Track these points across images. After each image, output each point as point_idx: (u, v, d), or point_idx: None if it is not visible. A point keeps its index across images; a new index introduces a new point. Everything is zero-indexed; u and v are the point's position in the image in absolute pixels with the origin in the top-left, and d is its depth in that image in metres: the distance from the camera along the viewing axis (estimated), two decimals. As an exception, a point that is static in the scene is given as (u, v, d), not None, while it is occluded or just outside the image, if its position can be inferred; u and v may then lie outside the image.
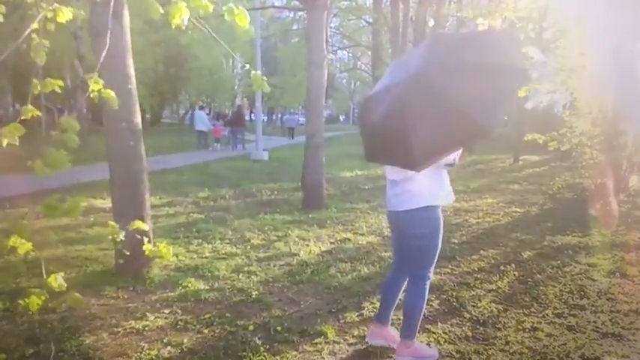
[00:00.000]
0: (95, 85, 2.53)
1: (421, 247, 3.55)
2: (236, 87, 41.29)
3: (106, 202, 8.89)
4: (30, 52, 2.42)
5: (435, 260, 3.64)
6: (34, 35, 2.43)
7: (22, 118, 2.29)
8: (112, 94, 2.64)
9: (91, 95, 2.54)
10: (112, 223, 2.99)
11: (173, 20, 2.87)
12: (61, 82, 2.49)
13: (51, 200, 2.47)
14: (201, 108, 26.88)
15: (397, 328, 3.98)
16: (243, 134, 24.97)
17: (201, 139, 23.57)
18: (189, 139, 25.62)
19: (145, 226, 3.28)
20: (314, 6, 9.15)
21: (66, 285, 2.59)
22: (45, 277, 2.49)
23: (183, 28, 2.97)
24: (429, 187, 3.45)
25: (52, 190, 9.79)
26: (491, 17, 8.21)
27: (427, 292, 3.69)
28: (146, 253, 3.28)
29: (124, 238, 3.04)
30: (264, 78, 3.38)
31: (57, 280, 2.57)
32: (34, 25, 2.39)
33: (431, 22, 18.14)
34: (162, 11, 2.89)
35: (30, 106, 2.30)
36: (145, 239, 3.38)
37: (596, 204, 8.85)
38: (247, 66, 3.24)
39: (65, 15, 2.55)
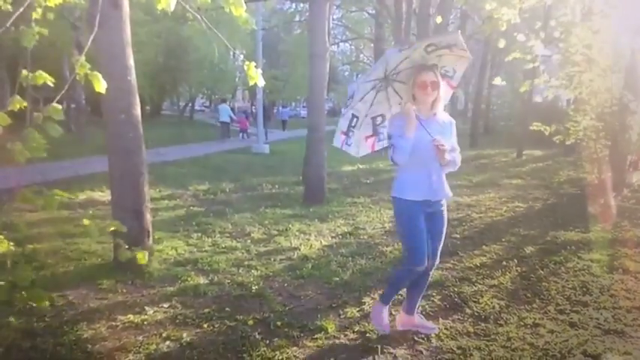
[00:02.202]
0: (81, 68, 2.48)
1: None
2: (237, 79, 41.21)
3: (105, 195, 8.86)
4: (22, 39, 2.38)
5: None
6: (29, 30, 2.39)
7: (9, 109, 2.25)
8: (99, 76, 2.59)
9: (77, 78, 2.50)
10: (86, 221, 2.93)
11: (159, 5, 2.83)
12: (51, 78, 2.44)
13: (27, 193, 2.42)
14: (224, 101, 28.97)
15: (424, 315, 4.01)
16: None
17: (224, 129, 25.25)
18: (189, 132, 25.68)
19: (123, 228, 3.23)
20: (316, -2, 9.08)
21: (32, 278, 2.57)
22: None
23: (169, 13, 2.95)
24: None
25: (49, 182, 9.79)
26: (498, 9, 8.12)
27: (405, 280, 3.91)
28: (120, 258, 3.25)
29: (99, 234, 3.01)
30: (260, 71, 3.35)
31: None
32: (35, 14, 2.35)
33: (438, 21, 18.01)
34: None
35: (18, 97, 2.26)
36: (121, 238, 3.35)
37: (598, 199, 8.82)
38: (242, 57, 3.23)
39: None
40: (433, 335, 3.97)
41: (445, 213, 3.85)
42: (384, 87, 3.85)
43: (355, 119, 3.92)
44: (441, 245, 3.89)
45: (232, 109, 29.74)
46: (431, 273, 3.97)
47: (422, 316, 4.16)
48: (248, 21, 3.11)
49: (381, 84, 3.83)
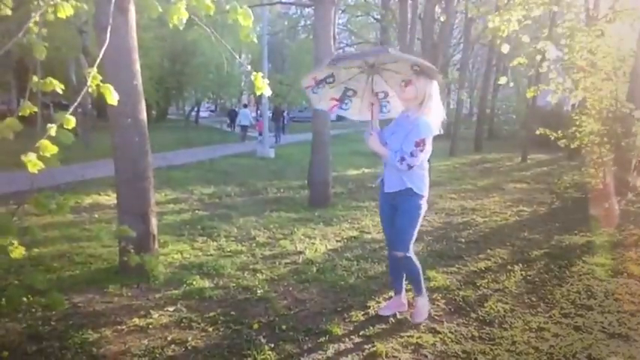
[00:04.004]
0: (94, 80, 2.51)
1: None
2: (242, 84, 41.25)
3: (111, 199, 8.90)
4: (34, 51, 2.41)
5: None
6: (33, 28, 2.41)
7: (20, 114, 2.27)
8: (111, 88, 2.62)
9: (90, 90, 2.52)
10: (100, 227, 2.96)
11: (171, 21, 2.89)
12: (60, 84, 2.46)
13: (40, 197, 2.43)
14: (245, 106, 31.55)
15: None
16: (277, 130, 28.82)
17: (243, 132, 27.62)
18: (195, 136, 25.78)
19: (131, 232, 3.25)
20: (321, 2, 9.10)
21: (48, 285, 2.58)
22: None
23: (181, 28, 3.02)
24: None
25: (56, 186, 9.85)
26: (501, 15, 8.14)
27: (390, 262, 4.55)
28: (130, 263, 3.27)
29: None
30: (267, 81, 3.39)
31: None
32: (35, 19, 2.37)
33: (442, 18, 18.07)
34: (160, 10, 2.90)
35: (28, 103, 2.28)
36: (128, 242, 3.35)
37: (603, 203, 8.81)
38: (249, 67, 3.30)
39: (66, 10, 2.54)
40: (438, 339, 3.98)
41: (404, 206, 4.08)
42: (368, 72, 4.21)
43: (332, 78, 4.30)
44: (402, 235, 4.12)
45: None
46: (399, 261, 4.23)
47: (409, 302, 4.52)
48: (249, 35, 3.16)
49: (366, 68, 4.18)
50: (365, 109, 4.39)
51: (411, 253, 4.18)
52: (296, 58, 37.85)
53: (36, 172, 2.31)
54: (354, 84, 4.37)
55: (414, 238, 4.17)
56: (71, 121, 2.39)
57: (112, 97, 2.65)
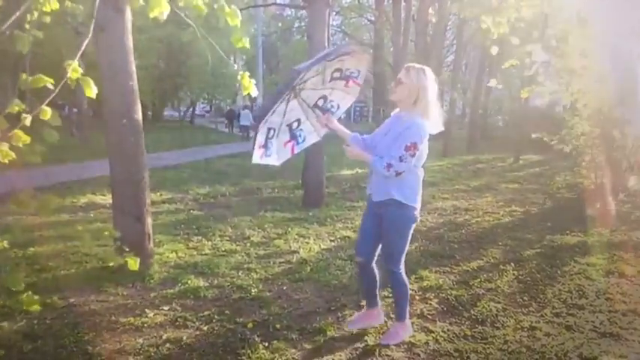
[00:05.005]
0: (74, 72, 2.51)
1: None
2: (237, 85, 41.31)
3: (107, 199, 8.89)
4: (17, 44, 2.41)
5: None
6: (28, 28, 2.43)
7: (8, 111, 2.28)
8: (91, 82, 2.61)
9: (68, 82, 2.52)
10: (80, 227, 2.95)
11: (152, 13, 2.89)
12: (51, 80, 2.46)
13: (21, 196, 2.44)
14: (245, 107, 32.95)
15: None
16: None
17: (244, 132, 29.34)
18: (190, 136, 25.78)
19: (116, 234, 3.26)
20: (315, 4, 9.13)
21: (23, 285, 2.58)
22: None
23: (162, 21, 3.01)
24: None
25: (51, 186, 9.84)
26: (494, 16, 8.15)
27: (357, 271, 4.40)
28: (108, 262, 3.28)
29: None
30: (254, 81, 3.42)
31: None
32: (30, 17, 2.39)
33: (433, 20, 18.15)
34: (142, 2, 2.91)
35: (17, 101, 2.29)
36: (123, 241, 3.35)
37: (595, 204, 8.87)
38: (235, 66, 3.33)
39: (52, 4, 2.55)
40: (431, 338, 4.02)
41: (390, 218, 3.76)
42: (294, 96, 3.79)
43: (272, 131, 3.78)
44: (390, 250, 3.83)
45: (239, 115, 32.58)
46: (390, 274, 3.90)
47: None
48: (242, 40, 3.18)
49: (289, 95, 3.73)
50: (282, 147, 3.97)
51: (402, 270, 3.87)
52: (290, 60, 37.91)
53: (6, 162, 2.31)
54: (292, 115, 3.91)
55: (405, 252, 3.86)
56: (47, 113, 2.39)
57: (92, 91, 2.64)
